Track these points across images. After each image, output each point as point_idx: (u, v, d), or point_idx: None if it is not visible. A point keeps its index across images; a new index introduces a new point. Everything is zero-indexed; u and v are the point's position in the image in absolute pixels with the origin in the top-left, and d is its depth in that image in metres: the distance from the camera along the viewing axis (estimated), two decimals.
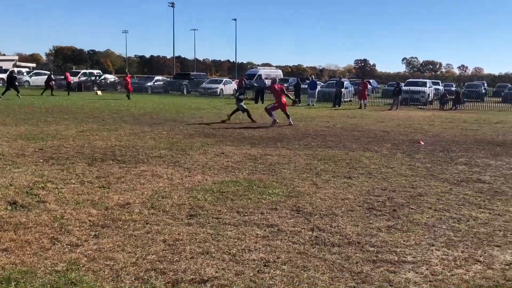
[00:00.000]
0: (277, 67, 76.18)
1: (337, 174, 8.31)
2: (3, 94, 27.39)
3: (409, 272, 4.23)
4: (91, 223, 5.26)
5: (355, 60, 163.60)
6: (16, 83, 29.96)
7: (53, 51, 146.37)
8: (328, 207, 6.22)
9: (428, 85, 35.99)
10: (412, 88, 34.27)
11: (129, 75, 39.90)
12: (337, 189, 7.20)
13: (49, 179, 7.32)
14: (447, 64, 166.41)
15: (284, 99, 16.91)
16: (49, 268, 4.04)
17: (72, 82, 38.65)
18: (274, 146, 11.56)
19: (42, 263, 4.13)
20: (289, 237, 5.03)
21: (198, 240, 4.84)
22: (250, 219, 5.58)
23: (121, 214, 5.60)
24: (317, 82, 36.98)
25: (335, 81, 35.05)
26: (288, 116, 16.88)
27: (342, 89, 30.64)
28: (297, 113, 21.86)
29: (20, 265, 4.07)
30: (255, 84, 34.25)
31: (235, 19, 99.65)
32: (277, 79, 21.29)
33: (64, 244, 4.61)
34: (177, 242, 4.75)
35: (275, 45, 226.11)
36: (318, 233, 5.18)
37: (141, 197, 6.42)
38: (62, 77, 45.12)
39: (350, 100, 34.43)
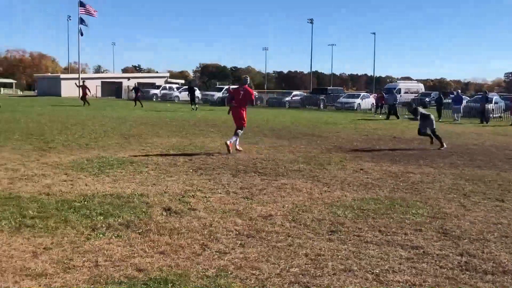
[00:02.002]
0: (418, 80, 73.00)
1: (488, 196, 7.72)
2: (135, 105, 32.82)
3: None
4: (237, 232, 5.50)
5: (505, 73, 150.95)
6: (139, 94, 33.84)
7: (200, 68, 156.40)
8: (478, 231, 5.80)
9: None
10: None
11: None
12: (488, 213, 6.69)
13: (198, 188, 7.82)
14: None
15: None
16: (201, 272, 4.30)
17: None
18: (417, 163, 11.09)
19: (194, 268, 4.41)
20: (435, 260, 4.78)
21: (340, 256, 4.81)
22: (393, 239, 5.41)
23: (264, 225, 5.78)
24: (463, 96, 34.77)
25: (480, 95, 32.70)
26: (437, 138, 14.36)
27: (488, 104, 28.47)
28: (441, 129, 20.77)
29: (175, 268, 4.39)
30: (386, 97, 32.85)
31: (374, 33, 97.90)
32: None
33: (213, 250, 4.88)
34: (319, 257, 4.77)
35: (415, 57, 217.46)
36: (468, 258, 4.85)
37: (282, 210, 6.57)
38: (211, 92, 48.16)
39: (500, 116, 31.82)
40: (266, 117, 28.10)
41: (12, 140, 13.47)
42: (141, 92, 33.99)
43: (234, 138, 12.19)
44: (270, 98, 48.22)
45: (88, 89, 36.50)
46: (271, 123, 23.25)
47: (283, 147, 13.62)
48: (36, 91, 73.15)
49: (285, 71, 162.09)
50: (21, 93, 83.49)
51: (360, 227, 5.83)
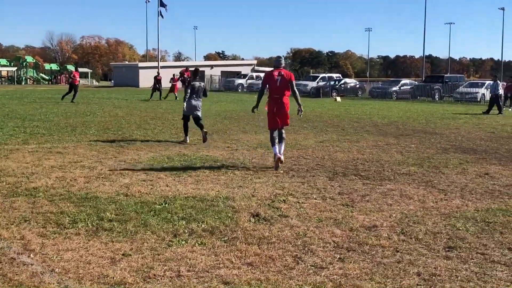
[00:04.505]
0: None
1: None
2: (160, 97, 33.42)
3: None
4: (335, 244, 5.49)
5: None
6: (157, 86, 33.96)
7: (291, 54, 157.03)
8: None
9: None
10: None
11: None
12: None
13: (290, 191, 7.89)
14: None
15: None
16: None
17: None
18: None
19: (287, 283, 4.46)
20: None
21: (459, 278, 4.65)
22: None
23: (368, 238, 5.72)
24: None
25: None
26: None
27: None
28: None
29: (265, 282, 4.46)
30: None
31: (502, 8, 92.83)
32: None
33: (308, 264, 4.91)
34: (433, 277, 4.64)
35: None
36: None
37: (388, 220, 6.45)
38: (303, 82, 48.06)
39: None
40: (369, 110, 27.68)
41: (88, 135, 14.35)
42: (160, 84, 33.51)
43: (283, 146, 10.15)
44: (374, 88, 47.42)
45: (176, 80, 35.40)
46: (375, 117, 22.87)
47: (389, 146, 13.36)
48: (112, 81, 76.98)
49: (392, 56, 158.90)
50: (96, 83, 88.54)
51: (484, 244, 5.59)
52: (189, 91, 13.56)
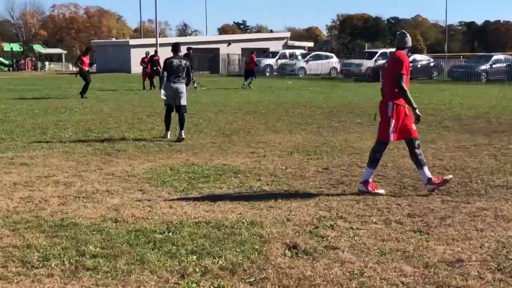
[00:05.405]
0: None
1: None
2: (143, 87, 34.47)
3: None
4: (405, 287, 5.43)
5: None
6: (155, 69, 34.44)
7: (338, 23, 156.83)
8: None
9: None
10: None
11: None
12: None
13: (339, 213, 7.84)
14: None
15: None
16: None
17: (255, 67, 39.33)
18: None
19: None
20: None
21: None
22: None
23: (451, 277, 5.65)
24: None
25: None
26: None
27: None
28: None
29: None
30: None
31: None
32: None
33: None
34: None
35: None
36: None
37: (479, 252, 6.36)
38: (355, 61, 47.99)
39: None
40: (448, 98, 27.46)
41: (64, 139, 14.49)
42: (159, 67, 33.46)
43: (371, 172, 9.45)
44: (454, 67, 47.06)
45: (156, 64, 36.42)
46: (457, 108, 22.67)
47: (478, 147, 13.23)
48: (94, 65, 77.31)
49: (479, 22, 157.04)
50: (74, 69, 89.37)
51: None
52: (165, 73, 13.82)
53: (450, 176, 9.33)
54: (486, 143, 13.73)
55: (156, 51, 38.71)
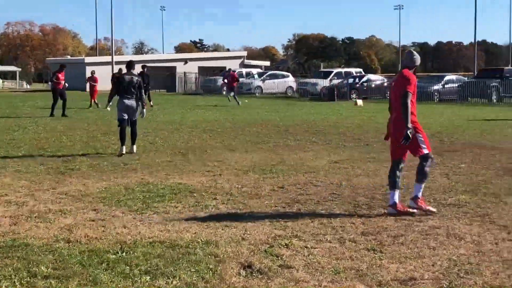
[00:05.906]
0: None
1: None
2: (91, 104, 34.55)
3: None
4: None
5: None
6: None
7: (294, 42, 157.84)
8: None
9: None
10: None
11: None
12: None
13: (294, 232, 7.84)
14: None
15: None
16: None
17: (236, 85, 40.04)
18: None
19: None
20: None
21: None
22: None
23: None
24: None
25: None
26: None
27: None
28: None
29: None
30: None
31: None
32: None
33: None
34: None
35: None
36: None
37: (431, 270, 6.41)
38: (311, 80, 48.25)
39: None
40: None
41: (16, 158, 14.28)
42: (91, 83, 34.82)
43: (420, 187, 9.45)
44: None
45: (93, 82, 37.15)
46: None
47: (430, 166, 13.31)
48: (50, 83, 76.74)
49: (432, 43, 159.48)
50: (28, 86, 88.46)
51: None
52: (114, 91, 13.97)
53: (434, 210, 9.17)
54: (438, 162, 13.80)
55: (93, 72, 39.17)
